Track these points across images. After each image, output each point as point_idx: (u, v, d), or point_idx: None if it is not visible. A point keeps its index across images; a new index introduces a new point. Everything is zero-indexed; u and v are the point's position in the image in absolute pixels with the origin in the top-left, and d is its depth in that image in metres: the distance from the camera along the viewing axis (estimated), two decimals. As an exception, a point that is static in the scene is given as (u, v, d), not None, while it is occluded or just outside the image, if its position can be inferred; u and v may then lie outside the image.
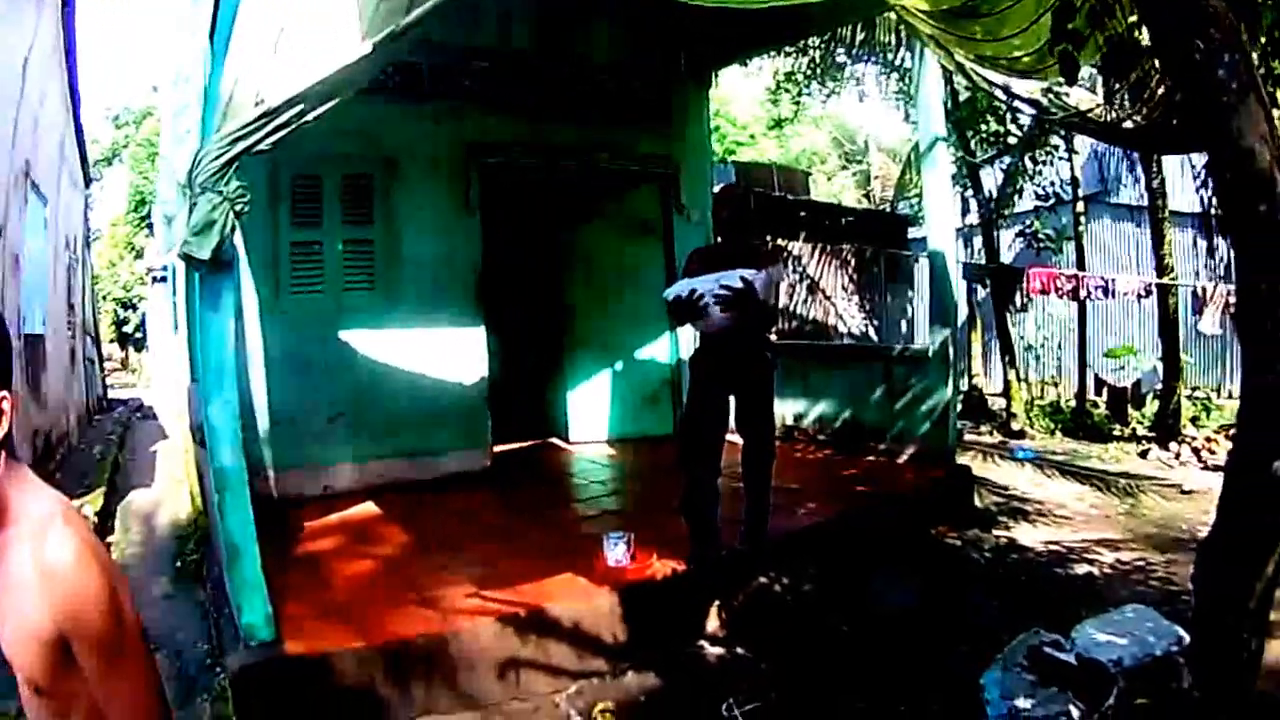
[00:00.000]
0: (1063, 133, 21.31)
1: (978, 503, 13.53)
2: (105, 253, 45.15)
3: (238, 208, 6.23)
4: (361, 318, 11.63)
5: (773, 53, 21.01)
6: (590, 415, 15.19)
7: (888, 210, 30.94)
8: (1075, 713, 7.11)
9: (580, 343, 14.85)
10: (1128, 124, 11.37)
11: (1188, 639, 8.38)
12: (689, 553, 9.22)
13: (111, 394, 29.75)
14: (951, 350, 13.23)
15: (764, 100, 31.55)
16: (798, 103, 28.02)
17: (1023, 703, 7.94)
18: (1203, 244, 29.47)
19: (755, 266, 8.77)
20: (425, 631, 7.45)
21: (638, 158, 14.58)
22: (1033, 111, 12.22)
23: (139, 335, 42.67)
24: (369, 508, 10.77)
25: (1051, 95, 11.59)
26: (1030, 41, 9.00)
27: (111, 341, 42.74)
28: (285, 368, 10.85)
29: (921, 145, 14.06)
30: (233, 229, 6.26)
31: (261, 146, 6.30)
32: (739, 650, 8.70)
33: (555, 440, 15.10)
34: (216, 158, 6.14)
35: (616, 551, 9.01)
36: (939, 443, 13.30)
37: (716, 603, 9.07)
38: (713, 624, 9.00)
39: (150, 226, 41.93)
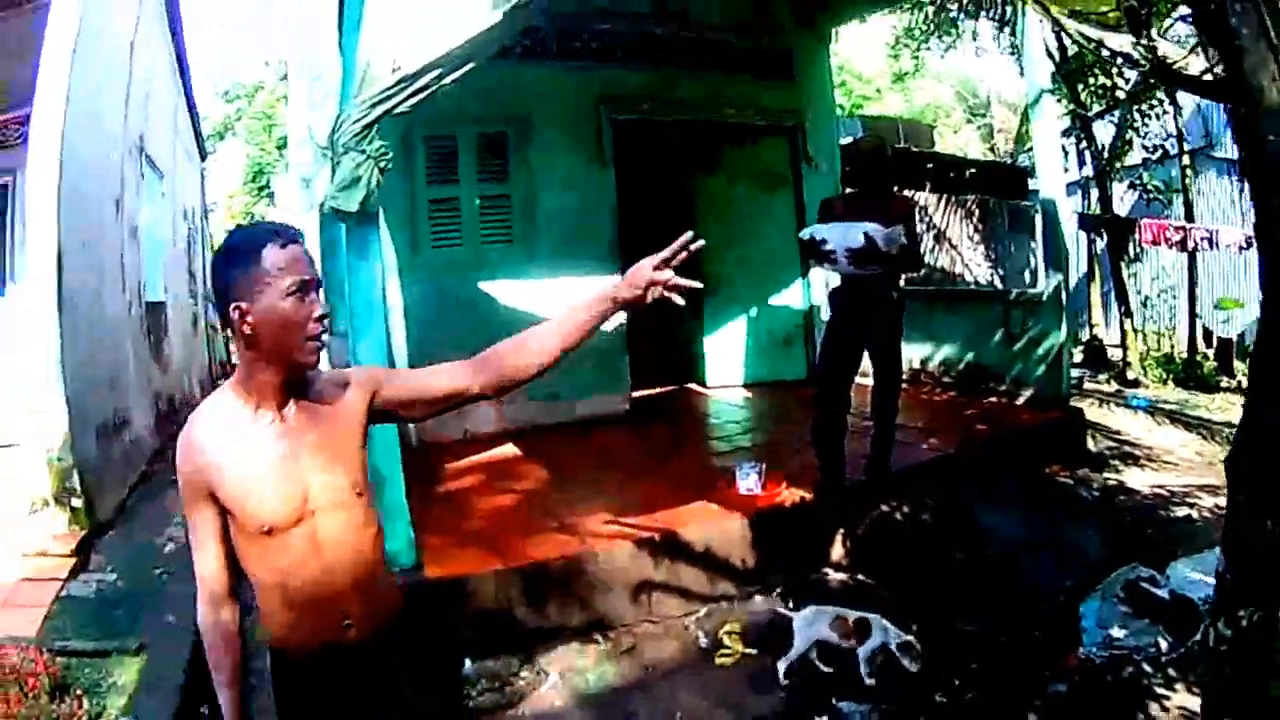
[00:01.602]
0: (1164, 87, 21.18)
1: (1091, 446, 13.52)
2: (224, 223, 45.52)
3: (381, 164, 6.58)
4: (500, 269, 11.90)
5: (889, 8, 20.92)
6: (725, 360, 15.38)
7: (1009, 163, 30.78)
8: (1164, 644, 7.34)
9: (714, 290, 14.84)
10: (1209, 76, 11.31)
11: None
12: (816, 482, 9.39)
13: (234, 360, 30.09)
14: (1064, 295, 13.22)
15: (886, 55, 31.39)
16: (917, 57, 28.07)
17: (1117, 632, 8.03)
18: None
19: (885, 217, 8.88)
20: (562, 554, 7.67)
21: (762, 110, 14.67)
22: (1127, 65, 12.26)
23: None
24: (509, 449, 11.05)
25: (1142, 49, 11.60)
26: None
27: None
28: (425, 317, 11.10)
29: (1028, 98, 14.01)
30: (378, 184, 6.59)
31: (400, 109, 6.61)
32: (860, 577, 8.92)
33: (692, 385, 15.29)
34: (357, 120, 6.46)
35: (748, 481, 9.13)
36: (1053, 385, 13.33)
37: (841, 531, 9.24)
38: (837, 552, 9.18)
39: (271, 195, 43.09)
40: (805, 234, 9.35)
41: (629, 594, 7.88)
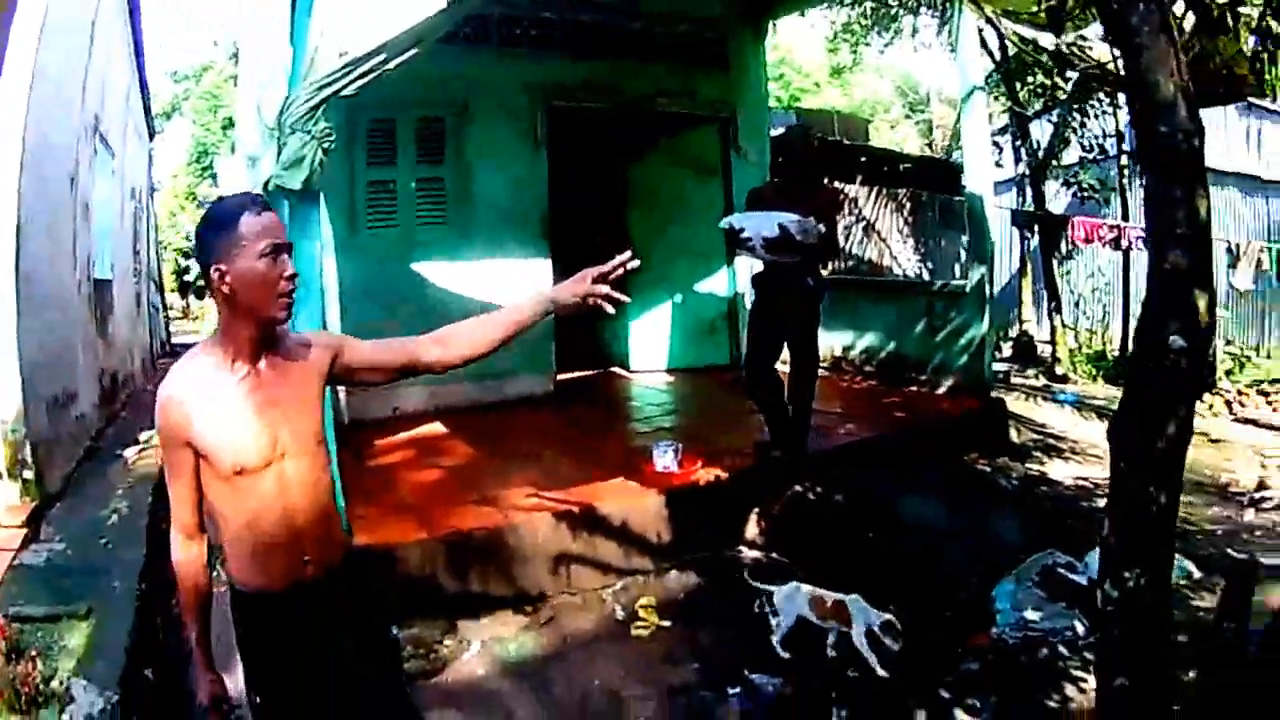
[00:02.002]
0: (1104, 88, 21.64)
1: (1015, 438, 13.88)
2: (167, 203, 45.71)
3: (325, 145, 6.89)
4: (433, 250, 12.18)
5: (828, 3, 21.19)
6: (650, 345, 15.62)
7: (945, 158, 31.18)
8: (1080, 628, 7.59)
9: (641, 275, 14.88)
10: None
11: (1197, 573, 8.87)
12: (767, 441, 10.13)
13: (175, 340, 30.21)
14: (988, 288, 13.58)
15: (826, 49, 31.82)
16: (855, 52, 28.44)
17: (1031, 615, 8.37)
18: (1236, 201, 29.90)
19: (806, 208, 9.30)
20: (484, 526, 7.97)
21: (696, 100, 14.92)
22: (1064, 65, 12.66)
23: (200, 284, 42.99)
24: (436, 427, 11.36)
25: (1075, 49, 11.96)
26: None
27: (172, 291, 43.19)
28: (359, 297, 11.34)
29: (960, 94, 14.36)
30: (321, 164, 6.91)
31: (346, 93, 6.91)
32: (775, 555, 9.21)
33: (616, 369, 15.58)
34: (305, 102, 6.76)
35: (665, 459, 9.44)
36: (975, 375, 13.67)
37: (756, 510, 9.57)
38: (752, 530, 9.50)
39: (214, 176, 42.44)
40: (724, 223, 9.73)
41: (549, 566, 8.15)
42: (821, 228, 9.43)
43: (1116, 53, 11.52)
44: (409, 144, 12.10)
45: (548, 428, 11.85)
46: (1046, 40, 11.91)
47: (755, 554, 9.31)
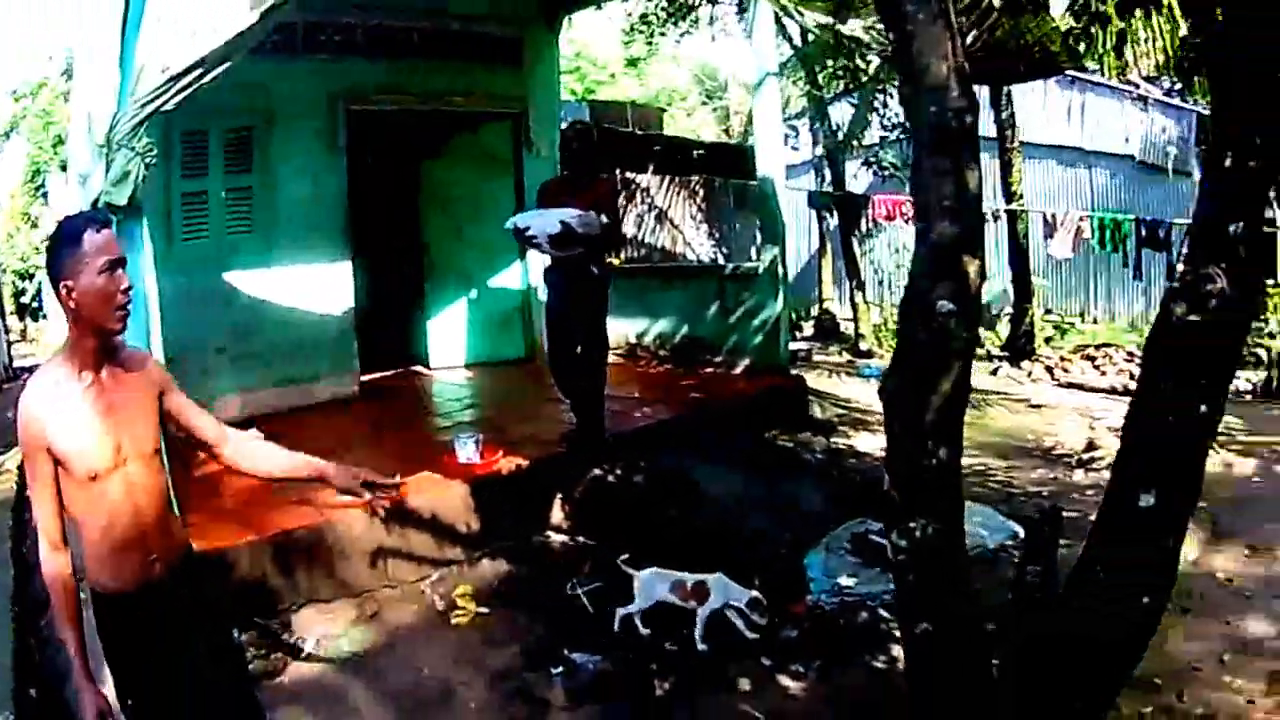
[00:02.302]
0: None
1: (819, 413, 14.56)
2: (4, 225, 44.68)
3: (148, 160, 7.29)
4: (243, 259, 12.42)
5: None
6: (448, 342, 15.93)
7: (741, 143, 31.87)
8: (896, 590, 8.26)
9: (437, 273, 15.67)
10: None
11: (1022, 533, 9.50)
12: (581, 429, 10.97)
13: (15, 364, 29.96)
14: (781, 268, 14.35)
15: (622, 41, 32.35)
16: (651, 42, 28.92)
17: (846, 581, 9.06)
18: (1059, 172, 30.97)
19: (587, 200, 10.09)
20: (304, 524, 8.51)
21: (490, 97, 15.34)
22: (863, 48, 13.48)
23: (35, 305, 42.23)
24: (253, 433, 11.67)
25: (875, 33, 12.74)
26: None
27: (12, 314, 42.62)
28: (178, 308, 11.19)
29: (753, 80, 15.07)
30: (144, 179, 7.32)
31: (166, 108, 7.30)
32: (581, 538, 9.92)
33: (418, 368, 15.93)
34: (131, 119, 7.14)
35: (467, 450, 10.02)
36: (771, 355, 14.46)
37: (559, 495, 10.27)
38: (557, 515, 10.20)
39: (45, 195, 41.46)
40: (510, 224, 10.51)
41: (368, 561, 8.69)
42: (603, 218, 10.20)
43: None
44: (219, 154, 12.31)
45: (355, 427, 12.41)
46: (844, 26, 12.68)
47: (562, 538, 9.95)
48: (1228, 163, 5.59)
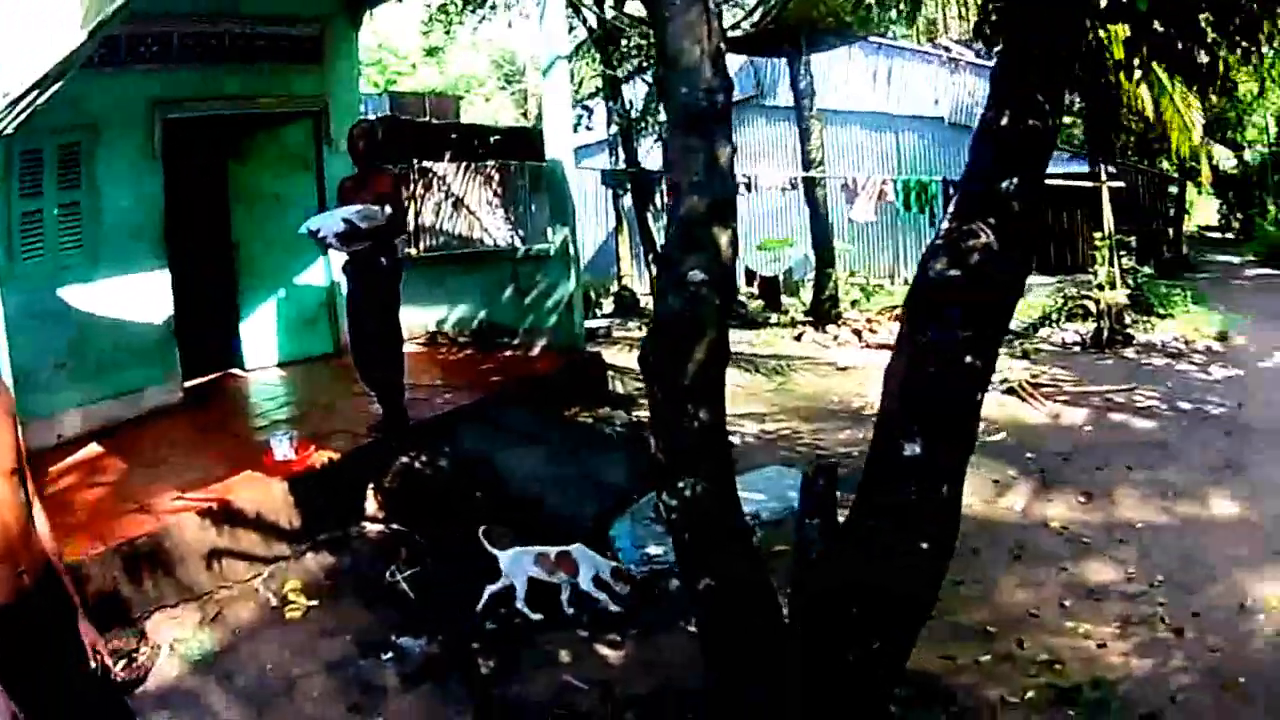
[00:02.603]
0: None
1: (620, 388, 15.42)
2: None
3: None
4: (75, 273, 12.43)
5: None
6: (260, 342, 16.36)
7: (537, 126, 32.30)
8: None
9: (247, 274, 15.86)
10: (735, 33, 13.01)
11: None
12: (385, 418, 11.61)
13: None
14: (572, 248, 15.25)
15: (421, 31, 32.63)
16: (449, 31, 29.46)
17: (654, 549, 9.60)
18: (864, 136, 31.70)
19: (374, 194, 10.88)
20: (145, 532, 8.83)
21: (292, 96, 15.83)
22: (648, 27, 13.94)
23: None
24: (94, 447, 11.79)
25: None
26: None
27: None
28: (21, 327, 10.95)
29: (542, 64, 15.92)
30: None
31: (8, 131, 7.76)
32: (395, 526, 10.51)
33: (234, 370, 16.08)
34: None
35: (282, 448, 10.54)
36: (567, 333, 15.34)
37: (371, 485, 10.86)
38: (371, 506, 10.77)
39: None
40: (302, 229, 11.10)
41: (204, 563, 9.06)
42: (388, 209, 10.89)
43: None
44: (53, 171, 12.36)
45: (182, 433, 12.64)
46: (633, 6, 13.13)
47: (378, 527, 10.52)
48: (1004, 121, 6.16)
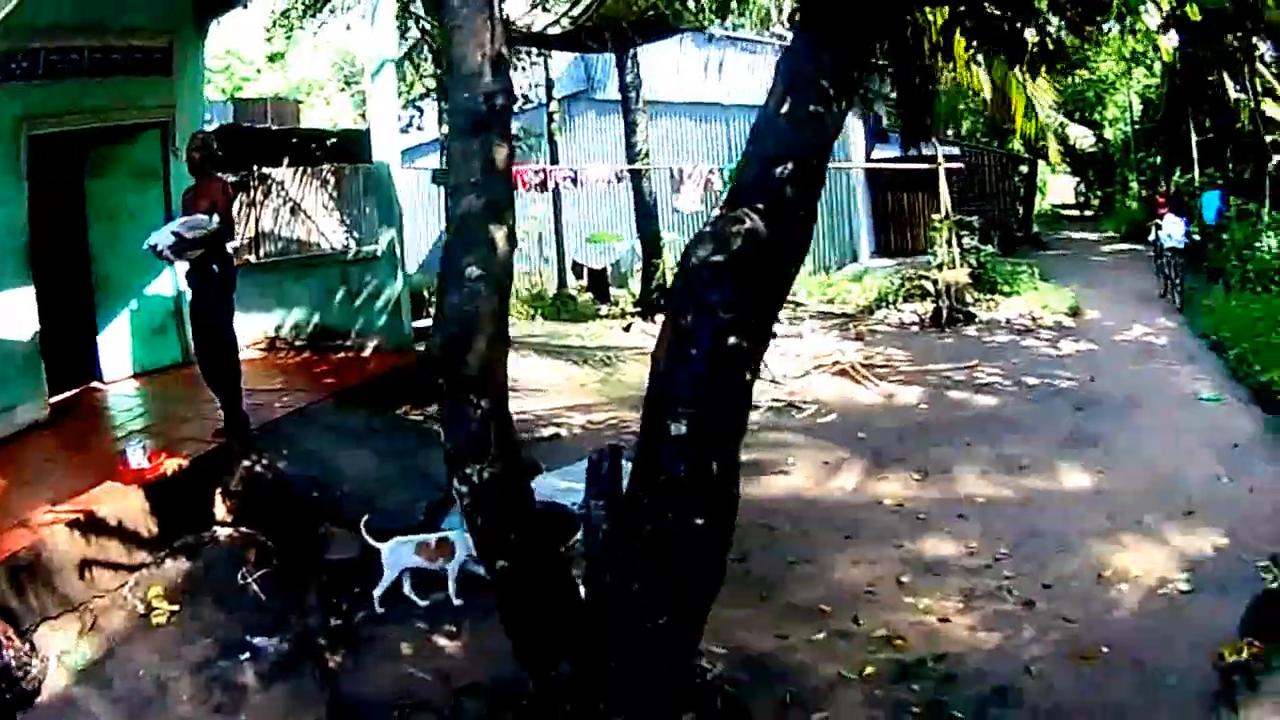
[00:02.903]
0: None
1: None
2: None
3: None
4: None
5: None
6: (117, 354, 16.55)
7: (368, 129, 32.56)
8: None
9: (103, 287, 16.40)
10: (554, 29, 13.59)
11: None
12: (226, 423, 11.98)
13: None
14: (399, 249, 15.97)
15: (264, 37, 32.82)
16: (289, 36, 29.45)
17: None
18: (694, 127, 32.19)
19: (206, 203, 11.38)
20: (23, 545, 9.13)
21: (143, 108, 15.94)
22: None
23: None
24: None
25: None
26: None
27: None
28: None
29: (369, 68, 16.49)
30: None
31: None
32: (244, 529, 10.83)
33: (94, 383, 16.42)
34: None
35: (136, 456, 10.80)
36: (396, 334, 16.06)
37: (219, 490, 11.24)
38: (220, 510, 11.15)
39: None
40: (145, 246, 11.56)
41: (77, 572, 9.32)
42: (216, 219, 11.31)
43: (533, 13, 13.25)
44: None
45: (50, 447, 12.93)
46: None
47: (228, 531, 10.84)
48: (784, 108, 6.61)
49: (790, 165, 6.37)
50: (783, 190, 6.34)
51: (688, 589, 6.45)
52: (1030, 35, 7.98)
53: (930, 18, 10.16)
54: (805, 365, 19.67)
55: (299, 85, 51.76)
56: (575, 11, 20.34)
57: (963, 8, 7.60)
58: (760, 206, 6.29)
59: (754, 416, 14.67)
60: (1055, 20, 8.31)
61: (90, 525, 9.72)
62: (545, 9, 17.22)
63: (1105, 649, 8.49)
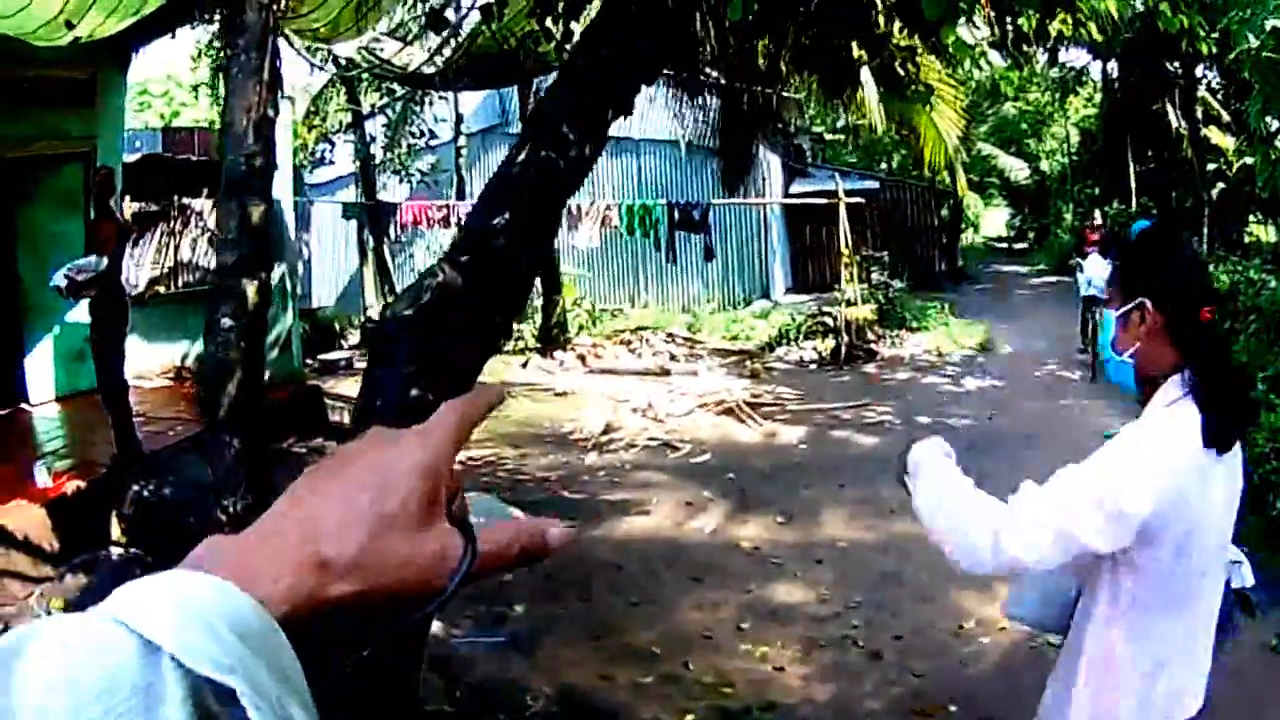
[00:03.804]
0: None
1: (336, 417, 16.70)
2: None
3: None
4: None
5: (191, 24, 23.06)
6: (41, 377, 17.29)
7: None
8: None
9: (30, 313, 17.11)
10: (429, 69, 14.45)
11: (524, 518, 11.68)
12: (119, 448, 12.60)
13: None
14: (289, 283, 16.66)
15: (190, 68, 33.50)
16: (214, 66, 29.28)
17: None
18: (604, 162, 33.02)
19: (99, 242, 12.23)
20: None
21: (67, 139, 16.78)
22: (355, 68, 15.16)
23: None
24: None
25: (364, 52, 14.50)
26: (323, 15, 11.89)
27: None
28: None
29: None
30: None
31: None
32: (135, 550, 11.43)
33: (23, 405, 17.17)
34: None
35: (42, 476, 11.60)
36: (286, 367, 16.61)
37: (113, 512, 11.78)
38: (115, 530, 11.72)
39: None
40: (52, 286, 12.22)
41: None
42: (105, 261, 12.03)
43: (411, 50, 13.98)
44: None
45: None
46: (341, 49, 14.42)
47: (119, 550, 11.48)
48: (521, 154, 6.78)
49: (507, 215, 6.58)
50: (492, 240, 6.55)
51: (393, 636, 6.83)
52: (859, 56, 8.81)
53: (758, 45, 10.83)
54: (691, 404, 19.99)
55: (229, 113, 52.26)
56: (447, 51, 21.12)
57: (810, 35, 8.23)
58: (463, 259, 6.53)
59: (626, 456, 16.14)
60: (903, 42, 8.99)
61: (1, 539, 10.48)
62: (422, 47, 18.08)
63: (952, 705, 8.34)
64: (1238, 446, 3.71)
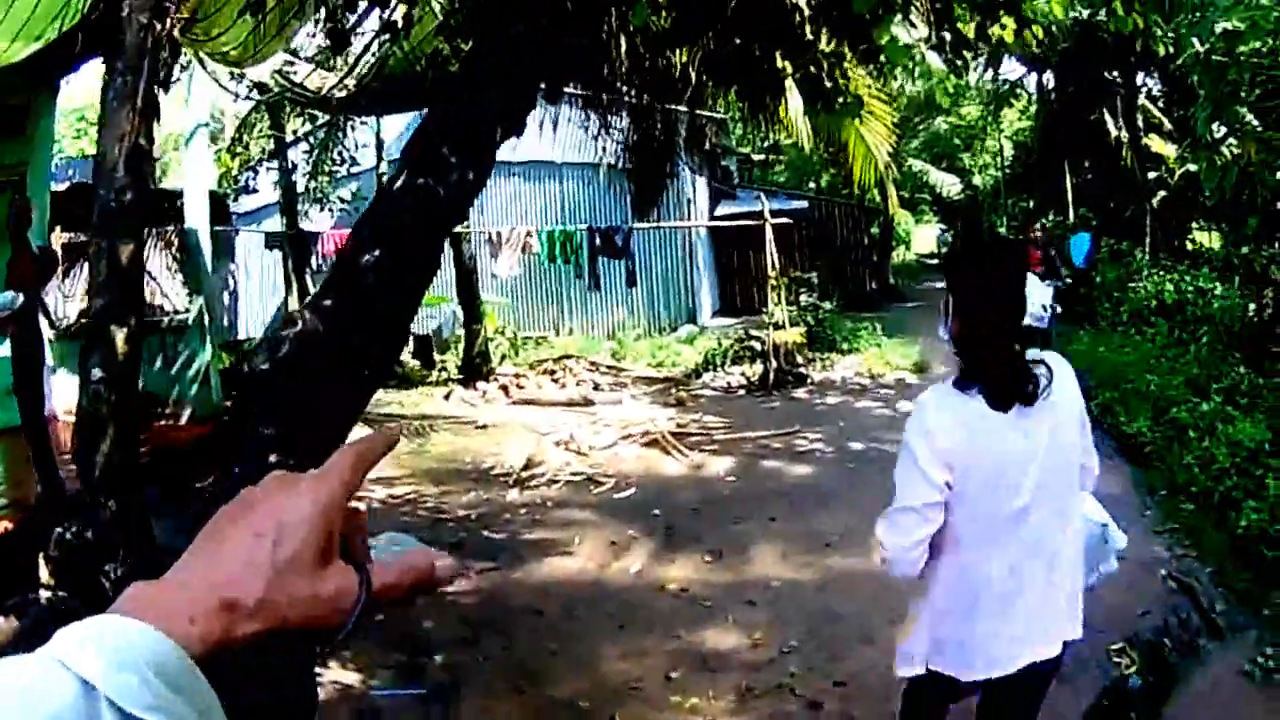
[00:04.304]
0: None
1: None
2: None
3: None
4: None
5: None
6: None
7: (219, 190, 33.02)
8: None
9: None
10: (340, 91, 14.41)
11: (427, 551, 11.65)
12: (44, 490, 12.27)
13: None
14: (208, 317, 16.51)
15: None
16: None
17: None
18: (527, 188, 33.03)
19: (16, 277, 11.85)
20: None
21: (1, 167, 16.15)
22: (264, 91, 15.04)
23: None
24: None
25: (278, 75, 14.41)
26: (232, 38, 11.81)
27: None
28: None
29: (185, 133, 17.21)
30: None
31: None
32: (63, 594, 10.86)
33: None
34: None
35: None
36: (205, 401, 16.52)
37: (41, 554, 11.80)
38: (44, 574, 11.47)
39: None
40: None
41: None
42: (21, 297, 11.69)
43: (323, 74, 13.99)
44: None
45: None
46: (252, 72, 14.30)
47: (48, 594, 11.08)
48: (397, 183, 6.94)
49: (378, 251, 6.65)
50: (361, 279, 6.61)
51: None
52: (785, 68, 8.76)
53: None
54: (615, 435, 19.73)
55: (166, 139, 52.07)
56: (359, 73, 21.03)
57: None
58: (326, 303, 6.64)
59: (549, 492, 16.00)
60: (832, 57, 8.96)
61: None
62: (328, 69, 17.91)
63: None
64: (1045, 413, 4.74)
